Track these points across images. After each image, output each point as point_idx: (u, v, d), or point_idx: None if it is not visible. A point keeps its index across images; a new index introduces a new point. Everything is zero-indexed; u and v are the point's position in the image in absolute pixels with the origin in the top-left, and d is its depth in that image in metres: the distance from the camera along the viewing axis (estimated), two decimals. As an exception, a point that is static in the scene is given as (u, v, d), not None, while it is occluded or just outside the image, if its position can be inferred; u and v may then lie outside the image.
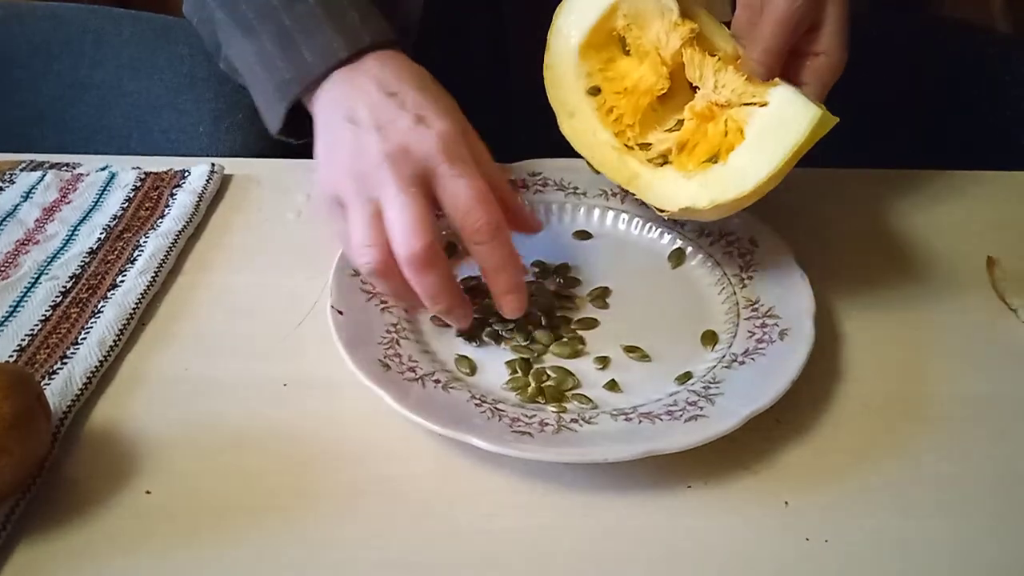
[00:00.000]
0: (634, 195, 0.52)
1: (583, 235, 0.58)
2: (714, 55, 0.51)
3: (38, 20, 0.80)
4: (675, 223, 0.56)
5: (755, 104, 0.48)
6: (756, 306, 0.50)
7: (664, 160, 0.52)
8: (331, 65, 0.50)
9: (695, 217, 0.51)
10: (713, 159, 0.49)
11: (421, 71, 0.50)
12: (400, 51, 0.51)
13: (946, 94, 0.78)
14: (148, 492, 0.42)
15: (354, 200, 0.46)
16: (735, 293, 0.52)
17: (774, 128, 0.47)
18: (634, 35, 0.53)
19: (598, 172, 0.53)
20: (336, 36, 0.50)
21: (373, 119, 0.47)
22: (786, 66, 0.50)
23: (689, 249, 0.55)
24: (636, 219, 0.58)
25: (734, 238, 0.55)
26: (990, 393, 0.48)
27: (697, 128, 0.51)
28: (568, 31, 0.53)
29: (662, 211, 0.50)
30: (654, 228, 0.57)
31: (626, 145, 0.52)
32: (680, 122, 0.52)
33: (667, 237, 0.56)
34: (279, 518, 0.41)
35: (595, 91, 0.53)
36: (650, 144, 0.52)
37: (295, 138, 0.55)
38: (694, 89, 0.52)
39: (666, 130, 0.53)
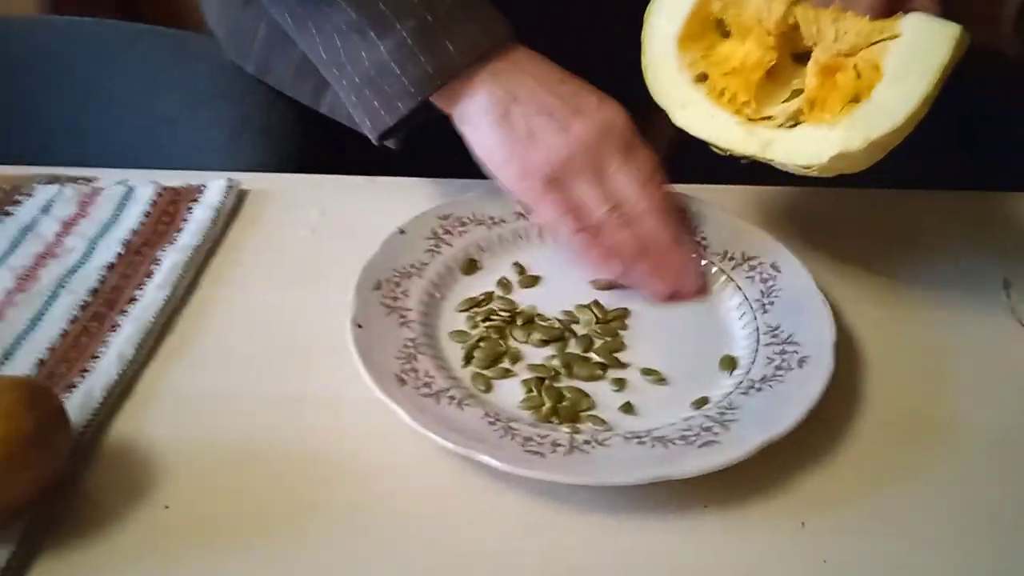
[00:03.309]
0: (772, 161, 0.53)
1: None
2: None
3: (55, 32, 0.83)
4: (699, 243, 0.58)
5: (885, 39, 0.49)
6: (776, 332, 0.52)
7: (796, 123, 0.53)
8: (476, 58, 0.55)
9: (846, 167, 0.51)
10: (853, 104, 0.50)
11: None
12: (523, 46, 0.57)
13: (961, 117, 0.79)
14: (166, 507, 0.44)
15: (584, 171, 0.54)
16: (756, 318, 0.54)
17: (915, 54, 0.48)
18: (732, 14, 0.55)
19: (726, 153, 0.54)
20: (478, 30, 0.55)
21: (568, 105, 0.55)
22: None
23: (712, 272, 0.57)
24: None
25: (756, 263, 0.57)
26: (1009, 416, 0.50)
27: (823, 83, 0.52)
28: (663, 26, 0.56)
29: (809, 167, 0.51)
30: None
31: (749, 119, 0.54)
32: (796, 92, 0.54)
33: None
34: (295, 534, 0.43)
35: (703, 78, 0.55)
36: (771, 117, 0.54)
37: (385, 141, 0.59)
38: (798, 60, 0.54)
39: (783, 101, 0.54)
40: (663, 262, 0.55)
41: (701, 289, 0.56)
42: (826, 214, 0.64)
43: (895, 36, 0.49)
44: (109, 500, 0.44)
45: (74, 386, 0.48)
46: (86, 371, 0.49)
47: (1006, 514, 0.44)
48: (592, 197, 0.54)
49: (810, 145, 0.51)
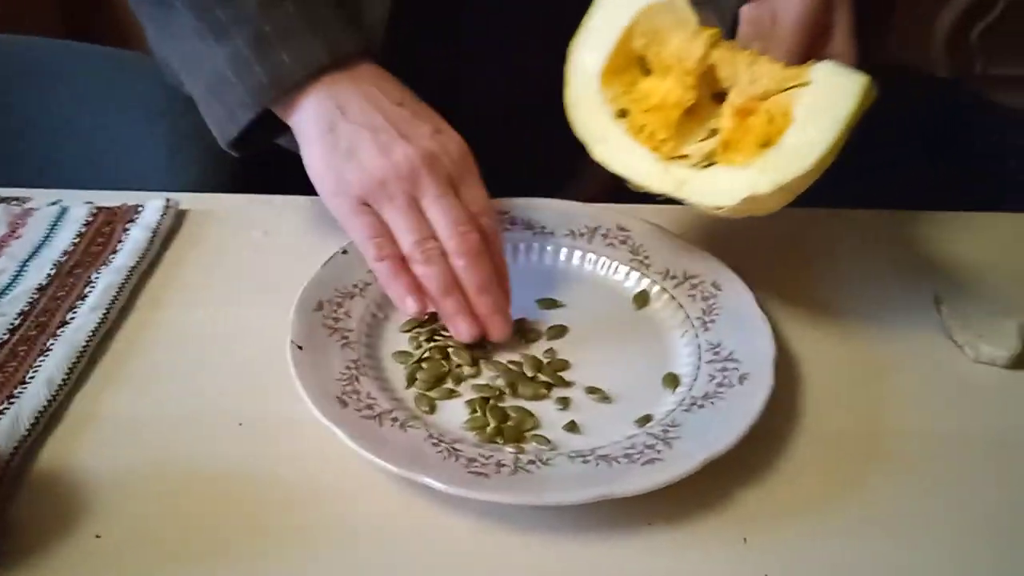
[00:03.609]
0: (684, 202, 0.53)
1: (548, 274, 0.60)
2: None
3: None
4: (641, 262, 0.59)
5: (796, 86, 0.51)
6: (717, 350, 0.53)
7: (710, 163, 0.53)
8: (312, 71, 0.53)
9: (756, 209, 0.52)
10: (764, 148, 0.51)
11: (402, 84, 0.55)
12: (374, 63, 0.55)
13: (898, 138, 0.82)
14: (98, 536, 0.43)
15: (396, 197, 0.52)
16: (697, 336, 0.54)
17: (824, 103, 0.49)
18: (654, 52, 0.55)
19: (641, 190, 0.55)
20: (317, 42, 0.54)
21: (395, 127, 0.53)
22: None
23: (654, 291, 0.58)
24: (603, 259, 0.60)
25: (698, 281, 0.58)
26: (942, 429, 0.51)
27: (739, 125, 0.53)
28: (587, 61, 0.56)
29: (719, 208, 0.51)
30: (620, 269, 0.59)
31: (665, 157, 0.54)
32: (713, 132, 0.54)
33: (632, 278, 0.59)
34: (233, 561, 0.42)
35: (623, 114, 0.56)
36: (687, 156, 0.54)
37: (241, 152, 0.58)
38: (717, 99, 0.55)
39: (700, 140, 0.55)
40: (469, 303, 0.52)
41: (505, 335, 0.53)
42: (765, 233, 0.65)
43: (806, 83, 0.50)
44: (37, 530, 0.42)
45: (1, 412, 0.46)
46: (13, 397, 0.47)
47: (946, 524, 0.45)
48: (401, 226, 0.52)
49: (721, 186, 0.52)
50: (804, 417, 0.51)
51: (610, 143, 0.55)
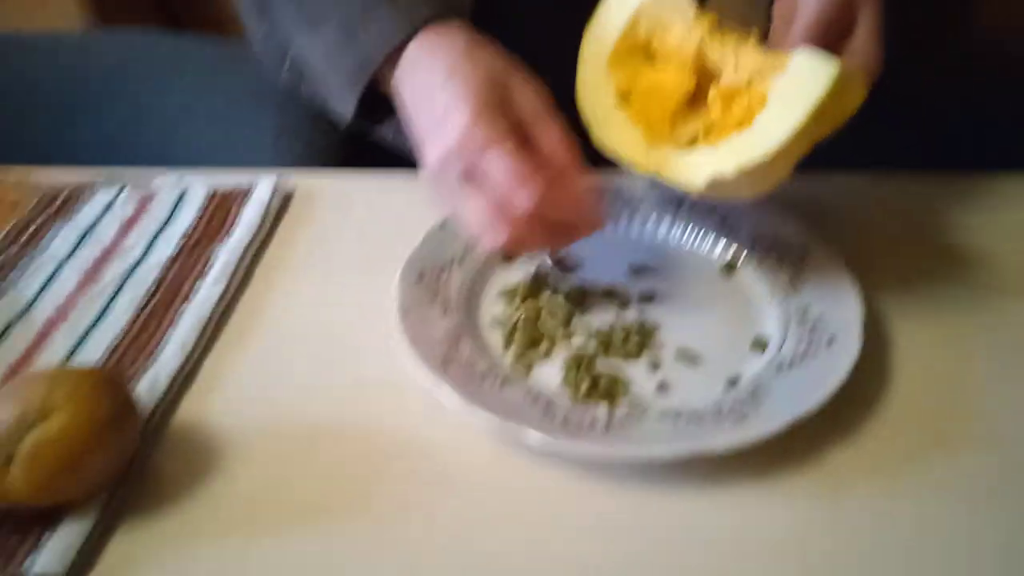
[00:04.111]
0: (669, 182, 0.54)
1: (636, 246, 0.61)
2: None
3: (108, 47, 0.87)
4: (731, 229, 0.60)
5: (777, 72, 0.51)
6: (806, 313, 0.54)
7: (694, 143, 0.54)
8: (390, 49, 0.53)
9: (727, 193, 0.53)
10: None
11: (476, 42, 0.53)
12: (460, 23, 0.54)
13: (994, 99, 0.79)
14: (231, 486, 0.46)
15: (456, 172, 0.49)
16: (786, 300, 0.55)
17: (794, 87, 0.49)
18: (657, 40, 0.56)
19: (630, 170, 0.56)
20: (392, 18, 0.53)
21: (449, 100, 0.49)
22: None
23: (742, 257, 0.59)
24: (691, 226, 0.62)
25: (787, 247, 0.59)
26: (1035, 399, 0.51)
27: (723, 110, 0.54)
28: (596, 46, 0.57)
29: (695, 190, 0.52)
30: (708, 236, 0.61)
31: (657, 141, 0.55)
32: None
33: (720, 245, 0.60)
34: (354, 510, 0.46)
35: (626, 99, 0.56)
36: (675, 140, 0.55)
37: (369, 129, 0.58)
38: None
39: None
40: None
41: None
42: (856, 199, 0.65)
43: (784, 70, 0.50)
44: (177, 479, 0.47)
45: (141, 374, 0.51)
46: (151, 360, 0.52)
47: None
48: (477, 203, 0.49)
49: (693, 169, 0.52)
50: (893, 380, 0.51)
51: (608, 126, 0.56)
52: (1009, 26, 0.91)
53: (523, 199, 0.47)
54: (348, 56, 0.55)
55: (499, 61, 0.51)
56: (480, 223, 0.49)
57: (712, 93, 0.54)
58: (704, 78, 0.55)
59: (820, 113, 0.48)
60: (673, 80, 0.55)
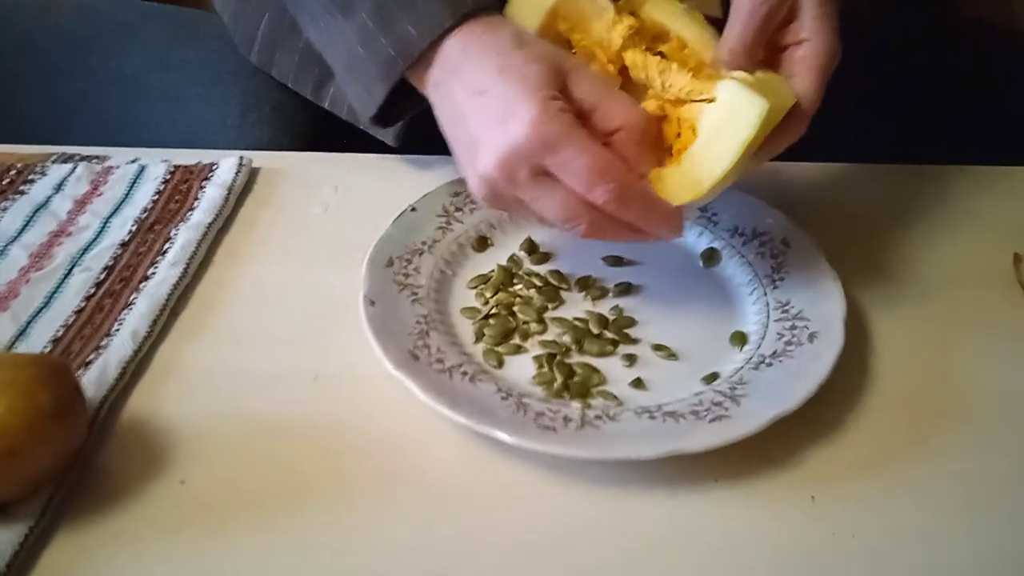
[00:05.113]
0: None
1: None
2: (658, 53, 0.51)
3: (69, 13, 0.82)
4: (710, 219, 0.59)
5: (704, 100, 0.48)
6: (787, 308, 0.52)
7: None
8: (435, 37, 0.50)
9: None
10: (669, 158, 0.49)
11: (520, 34, 0.50)
12: (500, 15, 0.51)
13: (970, 91, 0.79)
14: (182, 482, 0.44)
15: (525, 173, 0.47)
16: (766, 294, 0.54)
17: (723, 125, 0.47)
18: (577, 38, 0.53)
19: None
20: (434, 8, 0.50)
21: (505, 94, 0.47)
22: (772, 61, 0.51)
23: (722, 249, 0.57)
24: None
25: (767, 239, 0.57)
26: (1015, 389, 0.50)
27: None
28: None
29: None
30: (689, 226, 0.58)
31: None
32: None
33: (700, 236, 0.58)
34: (309, 506, 0.44)
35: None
36: None
37: (388, 126, 0.56)
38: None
39: None
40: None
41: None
42: (835, 190, 0.63)
43: (712, 100, 0.48)
44: (126, 474, 0.44)
45: (89, 363, 0.48)
46: (100, 348, 0.49)
47: (1016, 485, 0.45)
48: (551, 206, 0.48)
49: None
50: (874, 376, 0.50)
51: None
52: (983, 17, 0.90)
53: (601, 193, 0.46)
54: (381, 45, 0.51)
55: (548, 50, 0.49)
56: (559, 218, 0.48)
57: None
58: (628, 78, 0.52)
59: (749, 151, 0.47)
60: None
